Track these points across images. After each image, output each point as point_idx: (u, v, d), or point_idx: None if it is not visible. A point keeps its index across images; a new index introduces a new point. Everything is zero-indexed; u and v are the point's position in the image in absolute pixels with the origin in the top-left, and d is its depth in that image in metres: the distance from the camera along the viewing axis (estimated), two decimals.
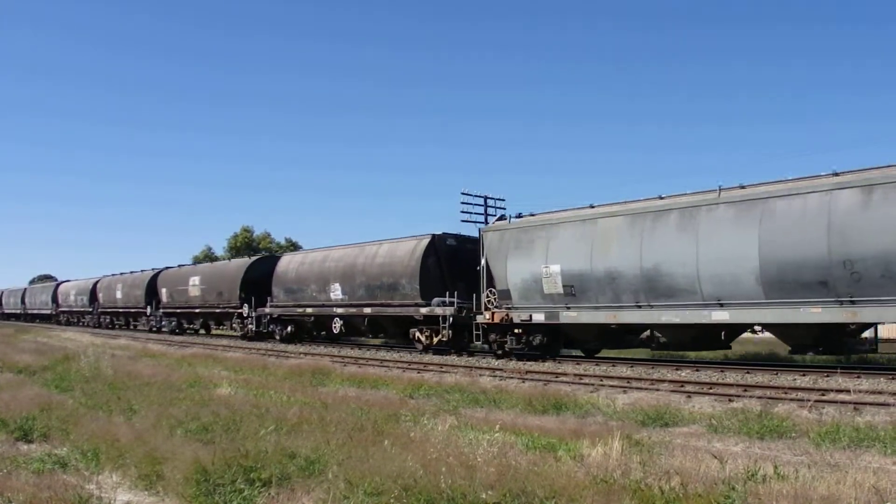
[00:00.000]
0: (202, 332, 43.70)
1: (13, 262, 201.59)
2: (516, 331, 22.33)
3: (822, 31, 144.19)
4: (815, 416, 11.60)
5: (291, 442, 8.74)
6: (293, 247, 62.82)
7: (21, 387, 16.37)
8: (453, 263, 26.00)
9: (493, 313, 22.50)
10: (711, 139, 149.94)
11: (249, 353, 27.95)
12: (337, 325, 29.95)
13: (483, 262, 23.23)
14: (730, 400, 13.52)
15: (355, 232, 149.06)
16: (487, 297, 23.03)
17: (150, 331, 46.25)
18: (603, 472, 7.20)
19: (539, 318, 21.29)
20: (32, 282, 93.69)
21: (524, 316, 21.68)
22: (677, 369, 18.16)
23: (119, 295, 52.09)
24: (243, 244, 66.98)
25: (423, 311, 25.41)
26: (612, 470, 7.39)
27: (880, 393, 13.15)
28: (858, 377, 15.07)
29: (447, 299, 24.58)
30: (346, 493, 6.64)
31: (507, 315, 22.09)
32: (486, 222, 39.30)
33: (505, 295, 22.23)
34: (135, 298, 49.26)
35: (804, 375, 15.99)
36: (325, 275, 30.64)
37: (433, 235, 26.45)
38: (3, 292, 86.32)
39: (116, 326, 53.78)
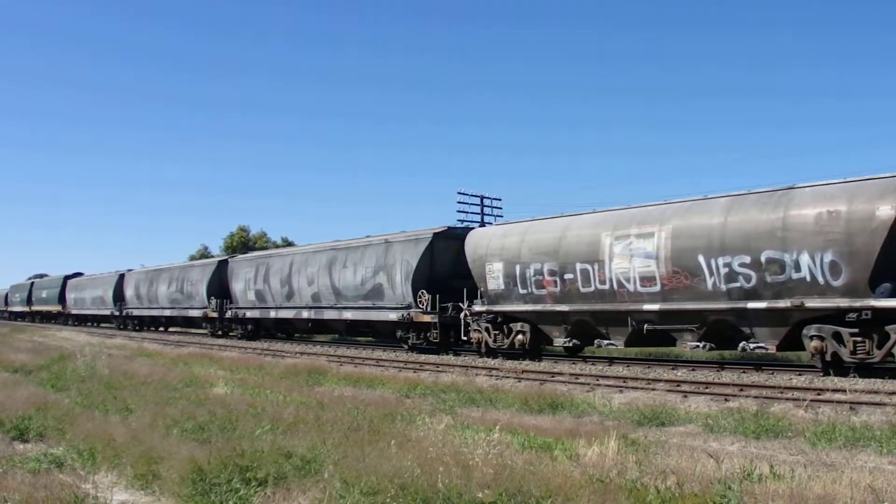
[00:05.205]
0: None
1: (12, 261, 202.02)
2: None
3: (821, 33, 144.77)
4: (811, 416, 11.61)
5: (287, 441, 8.73)
6: (290, 247, 60.79)
7: (17, 386, 16.32)
8: None
9: None
10: (713, 140, 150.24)
11: (245, 353, 27.93)
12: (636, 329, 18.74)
13: None
14: (726, 399, 13.54)
15: (354, 231, 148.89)
16: None
17: (216, 334, 37.70)
18: (599, 472, 7.20)
19: None
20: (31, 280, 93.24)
21: None
22: (673, 369, 18.17)
23: (164, 287, 41.74)
24: (239, 244, 66.77)
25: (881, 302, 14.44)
26: (608, 469, 7.39)
27: (876, 392, 13.16)
28: (854, 377, 15.09)
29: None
30: (342, 493, 6.63)
31: None
32: (483, 222, 39.15)
33: None
34: (196, 295, 38.43)
35: (800, 375, 16.01)
36: (597, 252, 19.04)
37: None
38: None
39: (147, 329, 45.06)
